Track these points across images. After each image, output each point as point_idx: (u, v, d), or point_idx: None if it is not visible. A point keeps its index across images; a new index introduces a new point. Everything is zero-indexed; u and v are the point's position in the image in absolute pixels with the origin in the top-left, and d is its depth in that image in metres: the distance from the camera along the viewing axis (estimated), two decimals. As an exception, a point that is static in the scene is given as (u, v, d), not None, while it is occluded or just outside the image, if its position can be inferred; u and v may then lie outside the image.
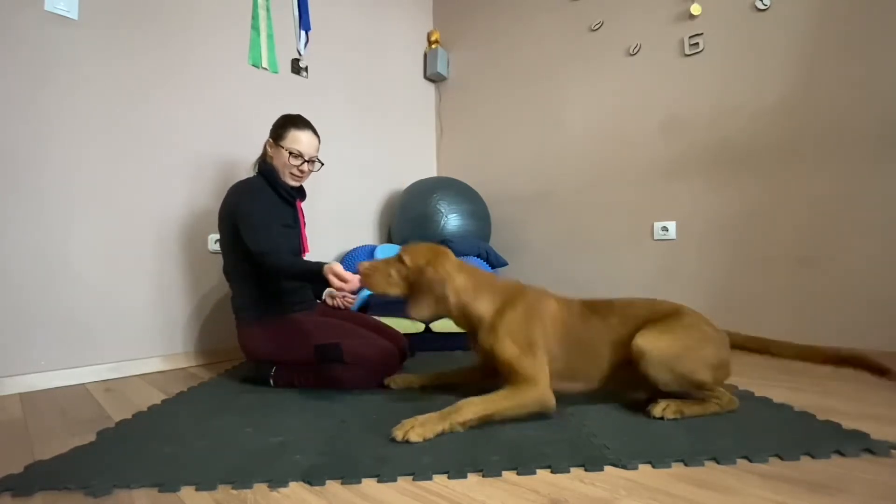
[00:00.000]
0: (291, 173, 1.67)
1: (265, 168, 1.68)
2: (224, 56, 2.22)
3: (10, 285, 1.61)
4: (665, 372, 1.13)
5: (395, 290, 1.28)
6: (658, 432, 1.07)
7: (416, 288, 1.24)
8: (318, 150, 1.73)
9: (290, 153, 1.64)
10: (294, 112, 1.74)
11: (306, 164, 1.68)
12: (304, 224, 1.81)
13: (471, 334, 1.29)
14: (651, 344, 1.15)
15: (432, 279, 1.22)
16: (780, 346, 1.26)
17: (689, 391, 1.15)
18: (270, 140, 1.68)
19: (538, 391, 1.13)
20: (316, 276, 1.38)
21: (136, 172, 1.92)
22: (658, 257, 2.34)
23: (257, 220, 1.53)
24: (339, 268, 1.35)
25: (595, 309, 1.29)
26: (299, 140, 1.65)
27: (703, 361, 1.14)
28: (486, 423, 1.09)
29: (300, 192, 1.79)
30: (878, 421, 1.11)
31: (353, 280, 1.34)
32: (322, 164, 1.77)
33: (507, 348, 1.16)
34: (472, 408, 1.08)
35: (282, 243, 1.56)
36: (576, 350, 1.23)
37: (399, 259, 1.29)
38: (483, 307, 1.24)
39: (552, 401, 1.14)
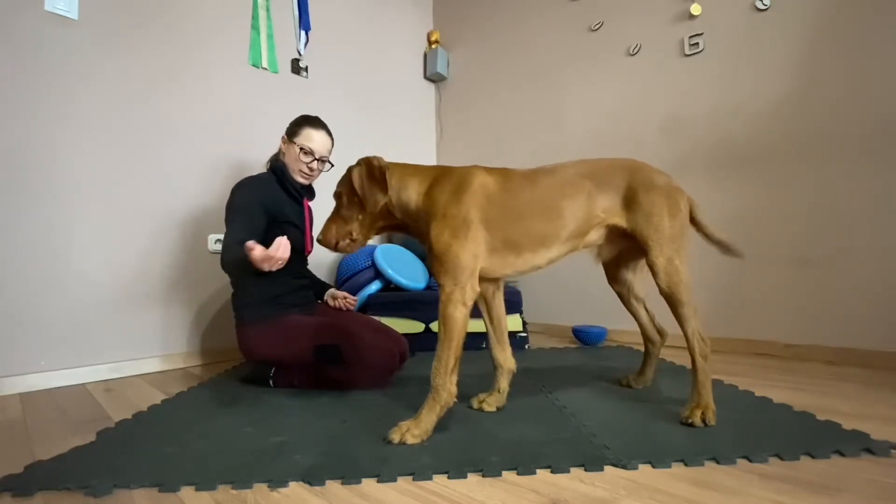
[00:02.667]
0: (301, 171, 1.68)
1: (276, 164, 1.69)
2: (224, 56, 2.22)
3: (10, 285, 1.61)
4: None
5: (355, 225, 1.23)
6: (658, 432, 1.07)
7: (359, 195, 1.19)
8: (330, 151, 1.74)
9: (302, 149, 1.65)
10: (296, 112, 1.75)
11: (316, 162, 1.69)
12: (311, 223, 1.80)
13: (415, 232, 1.24)
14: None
15: (361, 169, 1.18)
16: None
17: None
18: (284, 136, 1.70)
19: (453, 299, 1.08)
20: (247, 261, 1.27)
21: (136, 172, 1.92)
22: (658, 257, 2.33)
23: (230, 216, 1.52)
24: (258, 248, 1.22)
25: (539, 173, 1.28)
26: (312, 138, 1.67)
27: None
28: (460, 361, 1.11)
29: (309, 192, 1.79)
30: (878, 421, 1.11)
31: (277, 252, 1.22)
32: (332, 165, 1.77)
33: (441, 237, 1.11)
34: (439, 377, 1.07)
35: (243, 239, 1.37)
36: (518, 217, 1.17)
37: (336, 197, 1.25)
38: (412, 191, 1.19)
39: (471, 294, 1.10)
